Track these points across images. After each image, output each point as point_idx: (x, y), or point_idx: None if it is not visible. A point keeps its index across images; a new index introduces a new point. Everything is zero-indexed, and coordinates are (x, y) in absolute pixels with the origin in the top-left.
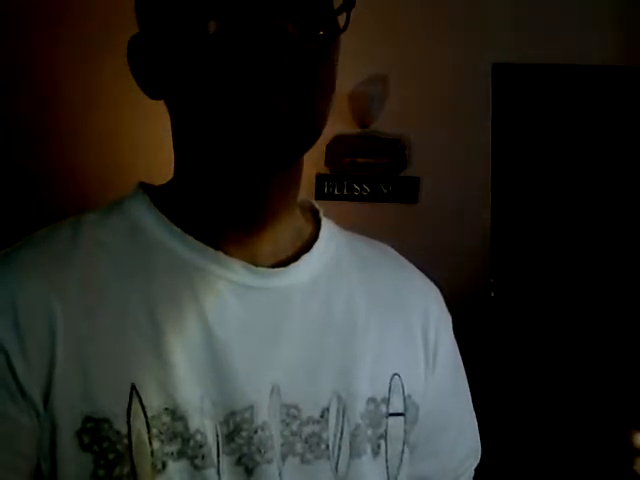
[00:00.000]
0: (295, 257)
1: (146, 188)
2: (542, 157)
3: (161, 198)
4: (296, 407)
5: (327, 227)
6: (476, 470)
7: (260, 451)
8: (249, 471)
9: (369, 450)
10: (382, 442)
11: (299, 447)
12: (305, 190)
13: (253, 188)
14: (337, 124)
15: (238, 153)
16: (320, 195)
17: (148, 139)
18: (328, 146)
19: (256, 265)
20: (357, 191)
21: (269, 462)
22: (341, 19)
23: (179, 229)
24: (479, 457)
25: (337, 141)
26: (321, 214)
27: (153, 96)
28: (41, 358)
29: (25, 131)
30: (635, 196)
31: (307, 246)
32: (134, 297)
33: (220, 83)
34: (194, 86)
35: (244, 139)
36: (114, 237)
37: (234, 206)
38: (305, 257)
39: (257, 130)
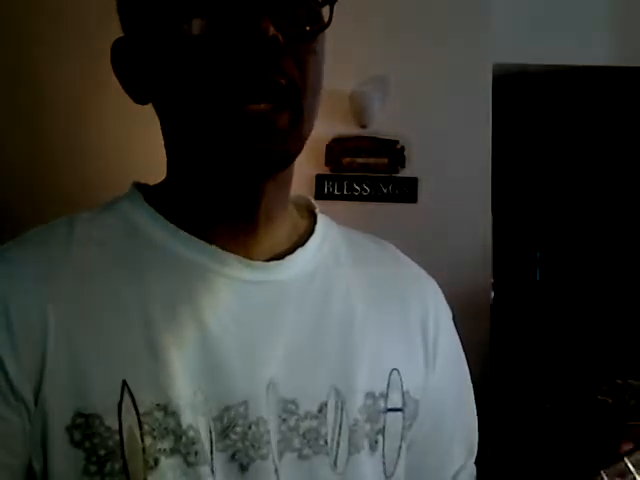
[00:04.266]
0: (291, 252)
1: (141, 188)
2: (542, 157)
3: (155, 197)
4: (293, 402)
5: (323, 222)
6: (477, 469)
7: (254, 447)
8: (243, 467)
9: (367, 445)
10: (380, 437)
11: (297, 443)
12: (305, 190)
13: (244, 191)
14: (337, 124)
15: (226, 159)
16: (320, 195)
17: (145, 140)
18: (328, 146)
19: (251, 259)
20: (357, 191)
21: (263, 458)
22: (326, 17)
23: (173, 225)
24: (475, 452)
25: (337, 141)
26: (317, 210)
27: (139, 101)
28: (33, 356)
29: (24, 132)
30: (635, 196)
31: (303, 241)
32: (128, 293)
33: (203, 87)
34: (178, 90)
35: (230, 146)
36: (108, 234)
37: (226, 207)
38: (300, 251)
39: (243, 137)
